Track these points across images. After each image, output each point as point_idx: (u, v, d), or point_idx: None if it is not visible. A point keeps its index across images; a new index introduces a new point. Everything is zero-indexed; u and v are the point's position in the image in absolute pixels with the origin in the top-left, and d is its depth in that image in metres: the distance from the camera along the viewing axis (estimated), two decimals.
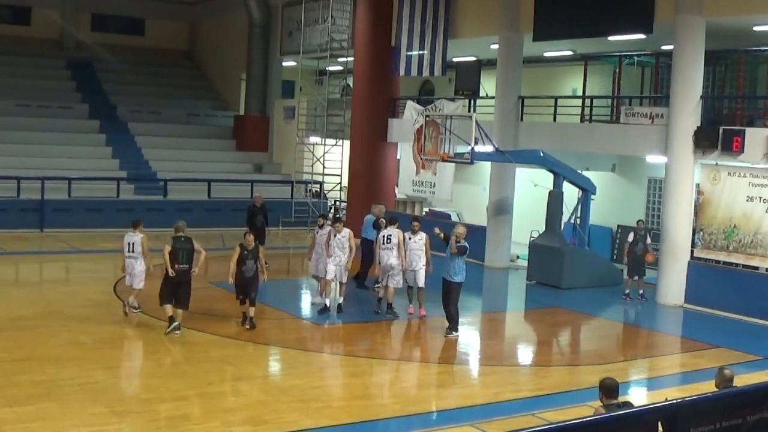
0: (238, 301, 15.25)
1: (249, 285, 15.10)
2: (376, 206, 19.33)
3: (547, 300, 19.12)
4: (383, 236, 16.59)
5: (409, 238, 16.53)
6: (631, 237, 19.34)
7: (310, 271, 17.99)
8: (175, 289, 14.47)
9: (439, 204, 28.57)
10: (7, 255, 22.25)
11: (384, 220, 17.61)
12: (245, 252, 15.08)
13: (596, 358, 14.44)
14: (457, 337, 15.28)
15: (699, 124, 18.68)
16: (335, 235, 16.49)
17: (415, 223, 16.73)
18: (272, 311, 17.20)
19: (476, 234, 23.65)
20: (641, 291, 19.20)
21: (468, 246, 15.16)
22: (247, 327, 15.03)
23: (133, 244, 15.48)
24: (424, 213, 29.27)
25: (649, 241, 19.23)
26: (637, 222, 19.74)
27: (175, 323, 14.34)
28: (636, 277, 19.18)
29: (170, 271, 14.33)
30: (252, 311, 15.09)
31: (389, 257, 16.38)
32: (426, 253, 16.39)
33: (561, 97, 24.38)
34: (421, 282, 16.37)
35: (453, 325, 15.32)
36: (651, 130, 19.90)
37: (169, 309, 14.41)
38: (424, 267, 16.39)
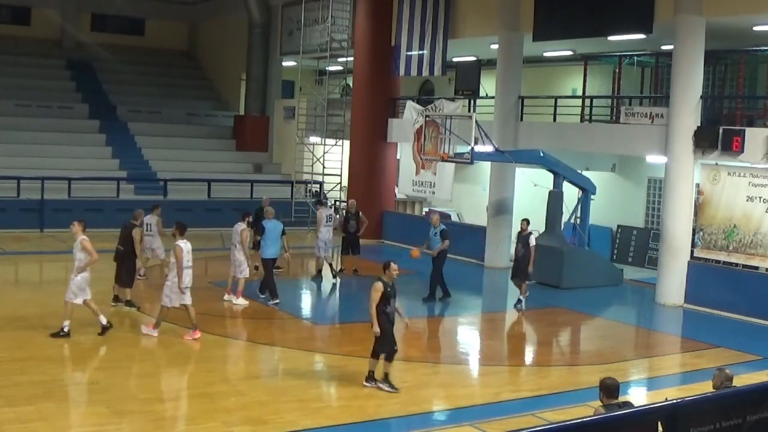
0: (379, 357, 11.92)
1: (393, 333, 11.85)
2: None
3: (547, 300, 19.12)
4: (326, 216, 19.83)
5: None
6: (515, 238, 18.47)
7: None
8: (118, 270, 16.08)
9: (439, 204, 28.57)
10: (7, 255, 22.24)
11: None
12: (388, 289, 11.73)
13: (596, 358, 14.44)
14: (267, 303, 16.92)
15: (699, 124, 18.68)
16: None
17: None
18: (272, 311, 17.22)
19: (476, 234, 23.73)
20: (521, 297, 17.68)
21: (264, 226, 17.10)
22: (386, 388, 11.85)
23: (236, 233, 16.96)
24: (423, 213, 29.29)
25: (533, 243, 17.56)
26: (522, 221, 18.22)
27: (128, 301, 16.03)
28: (522, 282, 17.73)
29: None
30: (391, 367, 12.00)
31: (329, 233, 19.66)
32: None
33: (561, 97, 24.40)
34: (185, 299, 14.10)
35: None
36: (651, 130, 19.90)
37: (114, 287, 16.15)
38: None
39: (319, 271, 19.97)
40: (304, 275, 20.43)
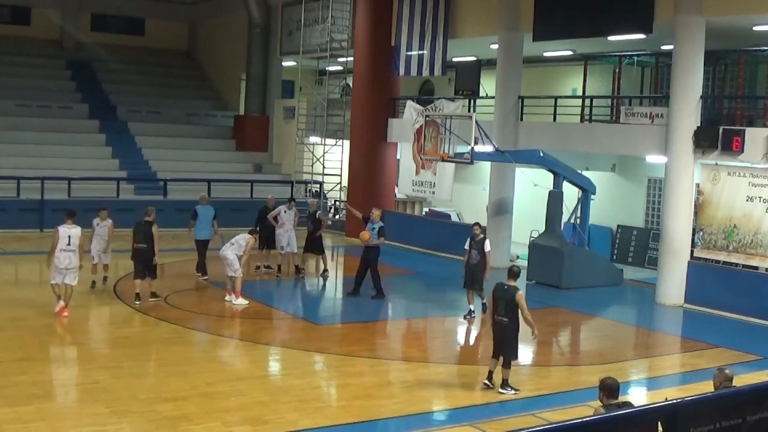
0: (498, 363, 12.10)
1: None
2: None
3: (547, 300, 19.11)
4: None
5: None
6: (467, 244, 16.57)
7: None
8: (136, 265, 16.45)
9: (439, 204, 28.57)
10: (7, 255, 22.24)
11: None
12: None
13: (596, 358, 14.44)
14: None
15: (699, 124, 18.68)
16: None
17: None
18: (272, 311, 17.23)
19: None
20: (471, 307, 16.45)
21: (197, 212, 18.75)
22: (510, 392, 12.01)
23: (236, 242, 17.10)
24: (424, 213, 29.30)
25: (488, 249, 16.22)
26: (473, 225, 16.80)
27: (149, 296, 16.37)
28: (478, 291, 16.36)
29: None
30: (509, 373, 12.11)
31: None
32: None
33: (561, 97, 24.40)
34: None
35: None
36: (651, 130, 19.90)
37: (136, 285, 16.28)
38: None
39: (296, 268, 20.26)
40: (305, 275, 20.40)
